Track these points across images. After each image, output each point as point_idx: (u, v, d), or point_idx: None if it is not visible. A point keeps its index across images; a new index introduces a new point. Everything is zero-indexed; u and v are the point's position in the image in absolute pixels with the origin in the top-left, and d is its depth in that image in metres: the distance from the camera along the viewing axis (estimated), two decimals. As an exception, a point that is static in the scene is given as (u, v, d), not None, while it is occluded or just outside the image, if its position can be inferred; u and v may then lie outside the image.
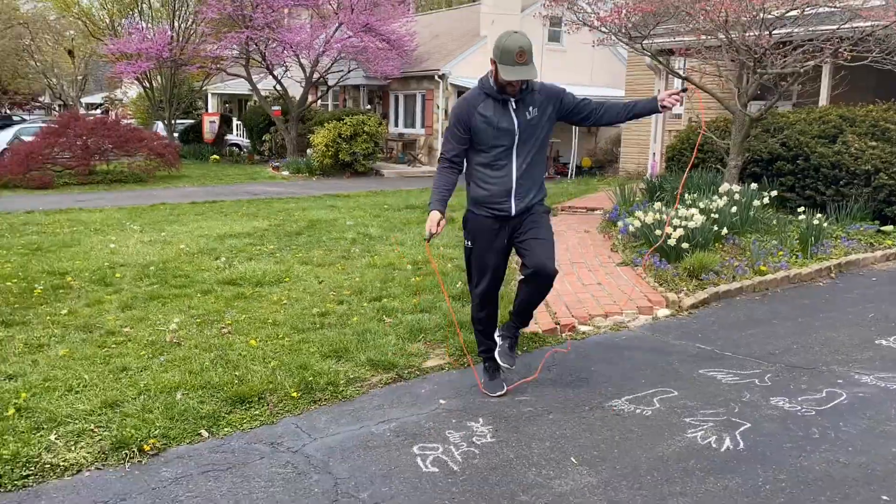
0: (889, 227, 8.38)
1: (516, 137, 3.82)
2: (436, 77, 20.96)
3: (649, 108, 3.97)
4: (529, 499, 2.98)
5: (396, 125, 23.54)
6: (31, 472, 3.20)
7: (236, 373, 4.21)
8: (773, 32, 8.10)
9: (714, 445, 3.45)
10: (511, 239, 3.96)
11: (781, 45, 8.39)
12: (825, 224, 7.74)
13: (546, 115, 3.89)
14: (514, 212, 3.90)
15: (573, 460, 3.31)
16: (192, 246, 8.24)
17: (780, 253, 7.23)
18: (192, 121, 27.65)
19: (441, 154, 4.00)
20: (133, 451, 3.38)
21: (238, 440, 3.54)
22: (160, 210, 11.70)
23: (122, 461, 3.32)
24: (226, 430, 3.63)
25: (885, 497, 2.99)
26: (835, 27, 8.20)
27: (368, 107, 24.34)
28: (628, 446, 3.45)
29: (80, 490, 3.09)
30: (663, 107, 3.90)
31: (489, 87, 3.82)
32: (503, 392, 4.07)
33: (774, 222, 8.28)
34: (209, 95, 31.47)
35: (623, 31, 9.07)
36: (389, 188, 16.00)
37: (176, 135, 24.80)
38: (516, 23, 21.29)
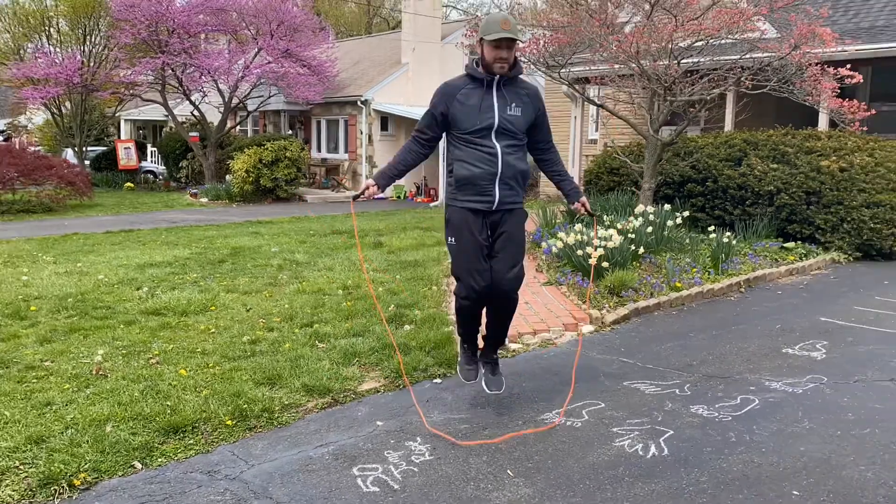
0: (791, 244, 8.96)
1: (496, 123, 3.81)
2: (358, 103, 21.07)
3: (568, 195, 4.21)
4: (469, 512, 3.07)
5: (319, 150, 23.47)
6: (-48, 514, 3.07)
7: (168, 403, 4.15)
8: (682, 62, 8.61)
9: (640, 452, 3.63)
10: (489, 236, 3.93)
11: (689, 74, 8.91)
12: (734, 242, 8.21)
13: (527, 118, 3.90)
14: (496, 203, 3.86)
15: (509, 473, 3.42)
16: (111, 276, 8.00)
17: (694, 270, 7.62)
18: (104, 148, 26.77)
19: (415, 127, 4.07)
20: (62, 487, 3.28)
21: (173, 470, 3.49)
22: (73, 240, 11.28)
23: (51, 497, 3.23)
24: (160, 460, 3.57)
25: (795, 492, 3.22)
26: (736, 57, 8.78)
27: (290, 132, 24.18)
28: (561, 457, 3.59)
29: (8, 529, 2.99)
30: (575, 208, 4.18)
31: (475, 70, 3.84)
32: (474, 380, 4.20)
33: (687, 241, 8.72)
34: (122, 122, 30.56)
35: (542, 60, 9.43)
36: (313, 213, 15.91)
37: (87, 162, 23.96)
38: (436, 50, 21.72)
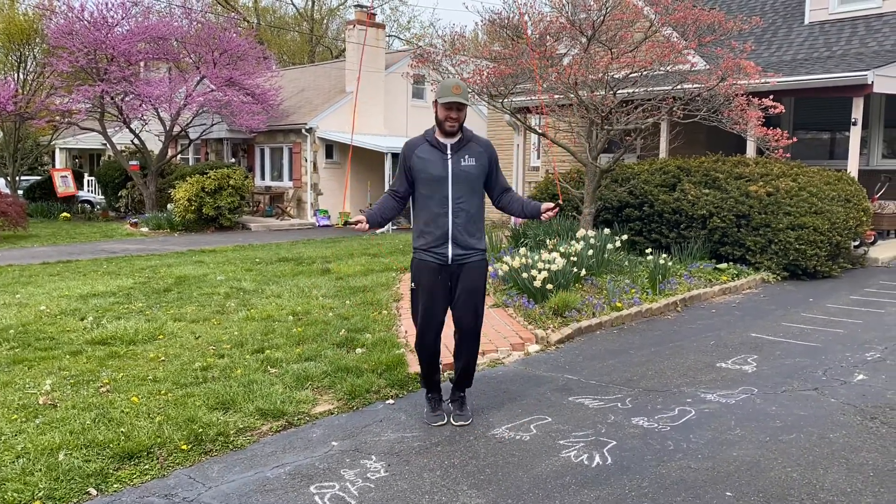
0: (724, 265, 9.40)
1: (450, 183, 4.19)
2: (303, 131, 21.14)
3: (535, 213, 4.44)
4: (425, 523, 3.19)
5: (263, 178, 23.37)
6: None
7: (121, 429, 4.15)
8: (617, 93, 9.02)
9: (586, 462, 3.82)
10: (452, 287, 4.27)
11: (625, 104, 9.34)
12: (670, 263, 8.59)
13: (482, 167, 4.28)
14: (450, 259, 4.22)
15: (463, 486, 3.56)
16: (52, 307, 7.87)
17: (633, 290, 7.94)
18: (38, 177, 26.08)
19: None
20: (16, 515, 3.28)
21: (130, 495, 3.51)
22: (8, 272, 10.99)
23: (5, 526, 3.22)
24: (115, 486, 3.59)
25: (728, 493, 3.45)
26: (669, 88, 9.25)
27: (233, 160, 24.03)
28: (511, 469, 3.74)
29: (-39, 559, 2.97)
30: (547, 213, 4.40)
31: (430, 134, 4.30)
32: (443, 423, 4.37)
33: (626, 263, 9.07)
34: (56, 150, 29.81)
35: (485, 90, 9.74)
36: (258, 241, 15.85)
37: (21, 192, 23.30)
38: (381, 80, 22.00)
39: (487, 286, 8.32)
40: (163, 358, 5.75)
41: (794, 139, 9.19)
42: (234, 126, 21.37)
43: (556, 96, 9.51)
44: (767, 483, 3.55)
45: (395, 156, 20.05)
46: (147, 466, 3.79)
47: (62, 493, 3.46)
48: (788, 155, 9.43)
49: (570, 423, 4.40)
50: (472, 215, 4.27)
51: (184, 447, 3.99)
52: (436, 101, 4.24)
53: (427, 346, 4.38)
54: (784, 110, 9.23)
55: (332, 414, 4.58)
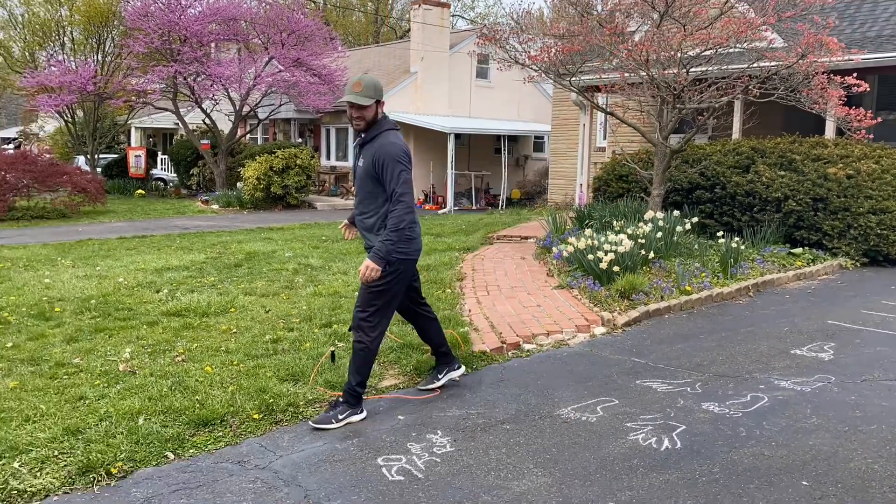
0: (798, 250, 9.07)
1: (357, 182, 4.24)
2: (367, 111, 21.23)
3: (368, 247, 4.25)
4: (491, 499, 3.20)
5: (328, 158, 23.69)
6: (-3, 499, 3.22)
7: (196, 398, 4.29)
8: (690, 70, 8.75)
9: (654, 446, 3.76)
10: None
11: (697, 83, 9.05)
12: (742, 247, 8.33)
13: (367, 170, 4.12)
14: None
15: (528, 464, 3.55)
16: (129, 280, 8.17)
17: (703, 274, 7.74)
18: (115, 155, 27.09)
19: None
20: (101, 475, 3.43)
21: (205, 460, 3.63)
22: (89, 245, 11.47)
23: (90, 484, 3.37)
24: (191, 451, 3.72)
25: (804, 482, 3.34)
26: (744, 66, 8.92)
27: (300, 140, 24.43)
28: (577, 449, 3.72)
29: (51, 513, 3.13)
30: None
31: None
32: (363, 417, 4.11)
33: (696, 246, 8.84)
34: (132, 129, 30.88)
35: (552, 68, 9.59)
36: (323, 220, 16.10)
37: (99, 170, 24.25)
38: (445, 60, 21.94)
39: (551, 268, 8.29)
40: (234, 330, 5.91)
41: (878, 119, 8.75)
42: (301, 106, 21.68)
43: (626, 74, 9.29)
44: (846, 474, 3.43)
45: (458, 137, 20.02)
46: (220, 434, 3.91)
47: (142, 456, 3.61)
48: (871, 136, 8.99)
49: (638, 405, 4.34)
50: (367, 217, 4.21)
51: (255, 416, 4.10)
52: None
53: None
54: (868, 89, 8.79)
55: (398, 389, 4.63)
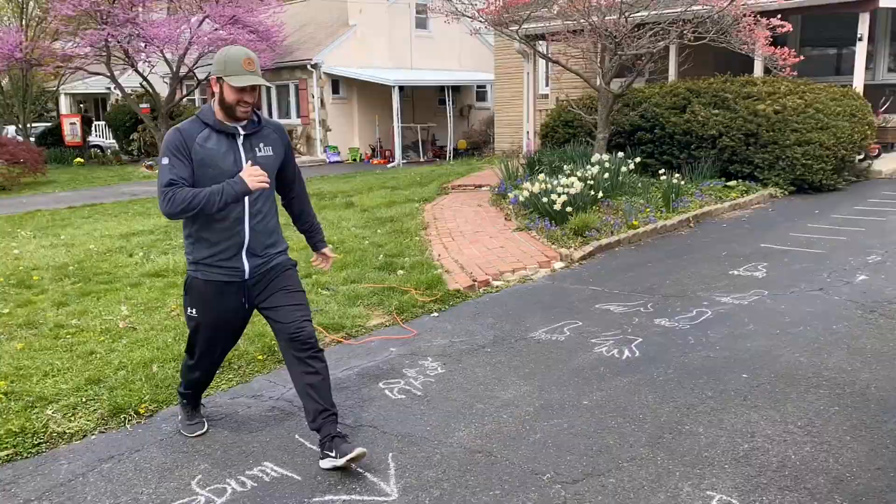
0: (733, 182, 9.78)
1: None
2: (308, 66, 21.19)
3: (312, 243, 3.73)
4: (484, 406, 3.72)
5: (270, 115, 23.53)
6: (41, 441, 3.57)
7: (201, 345, 4.66)
8: (629, 17, 9.22)
9: (617, 356, 4.33)
10: (250, 306, 3.35)
11: (636, 29, 9.54)
12: (682, 183, 8.97)
13: (277, 155, 3.30)
14: (248, 273, 3.25)
15: (511, 377, 4.07)
16: (99, 246, 8.34)
17: (648, 210, 8.36)
18: (47, 124, 26.30)
19: (163, 184, 3.05)
20: (130, 415, 3.81)
21: (222, 397, 4.04)
22: (41, 216, 11.44)
23: (123, 423, 3.75)
24: (208, 391, 4.09)
25: (744, 375, 3.96)
26: (679, 10, 9.44)
27: (241, 100, 24.09)
28: (551, 363, 4.26)
29: (94, 448, 3.50)
30: (317, 259, 3.79)
31: (211, 118, 3.15)
32: (203, 431, 3.60)
33: (640, 185, 9.46)
34: (62, 96, 29.87)
35: (500, 20, 9.92)
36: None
37: (32, 139, 23.57)
38: (383, 11, 21.89)
39: (508, 213, 8.79)
40: (218, 286, 6.23)
41: (802, 57, 9.41)
42: (240, 65, 21.35)
43: (568, 22, 9.70)
44: (778, 366, 4.05)
45: (401, 89, 20.17)
46: (231, 375, 4.31)
47: (164, 397, 3.99)
48: (796, 73, 9.67)
49: (600, 325, 4.90)
50: (270, 218, 3.32)
51: (259, 357, 4.50)
52: (218, 78, 3.11)
53: (208, 370, 3.57)
54: (791, 29, 9.42)
55: (385, 326, 5.09)
